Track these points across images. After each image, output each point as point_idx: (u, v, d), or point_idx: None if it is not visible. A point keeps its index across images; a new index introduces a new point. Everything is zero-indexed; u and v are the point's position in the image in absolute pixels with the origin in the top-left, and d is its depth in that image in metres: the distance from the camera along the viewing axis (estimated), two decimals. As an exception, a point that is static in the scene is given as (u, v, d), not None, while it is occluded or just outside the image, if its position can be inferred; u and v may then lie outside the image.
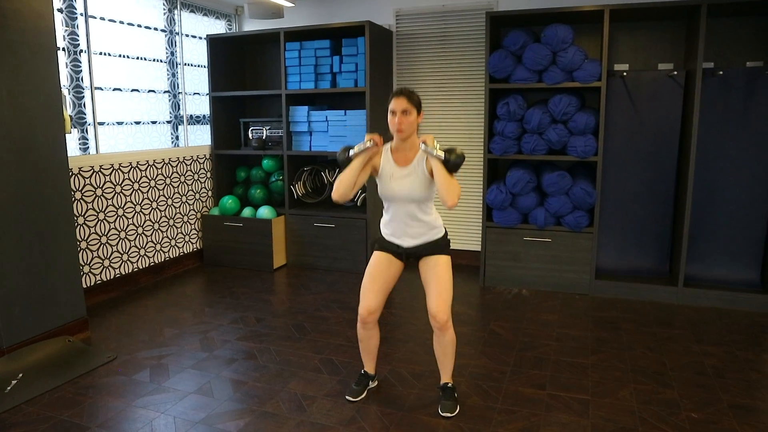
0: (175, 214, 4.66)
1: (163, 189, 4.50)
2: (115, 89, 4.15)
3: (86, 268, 3.84)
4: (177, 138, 4.82)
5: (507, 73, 4.01)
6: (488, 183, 4.18)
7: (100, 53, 4.00)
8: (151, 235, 4.41)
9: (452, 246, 2.59)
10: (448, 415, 2.41)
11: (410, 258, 2.50)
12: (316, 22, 5.02)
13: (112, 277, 4.07)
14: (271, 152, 4.84)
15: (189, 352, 3.11)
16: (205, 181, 4.99)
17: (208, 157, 5.00)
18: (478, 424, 2.36)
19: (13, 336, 2.91)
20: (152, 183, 4.38)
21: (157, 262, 4.49)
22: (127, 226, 4.17)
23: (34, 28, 2.92)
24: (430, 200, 2.45)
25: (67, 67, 3.73)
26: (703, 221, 3.89)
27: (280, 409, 2.49)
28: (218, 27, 5.32)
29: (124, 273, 4.17)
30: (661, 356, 3.02)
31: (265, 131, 4.89)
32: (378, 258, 2.51)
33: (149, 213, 4.37)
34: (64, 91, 3.64)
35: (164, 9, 4.61)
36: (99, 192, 3.91)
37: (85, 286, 3.77)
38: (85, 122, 3.90)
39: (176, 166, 4.62)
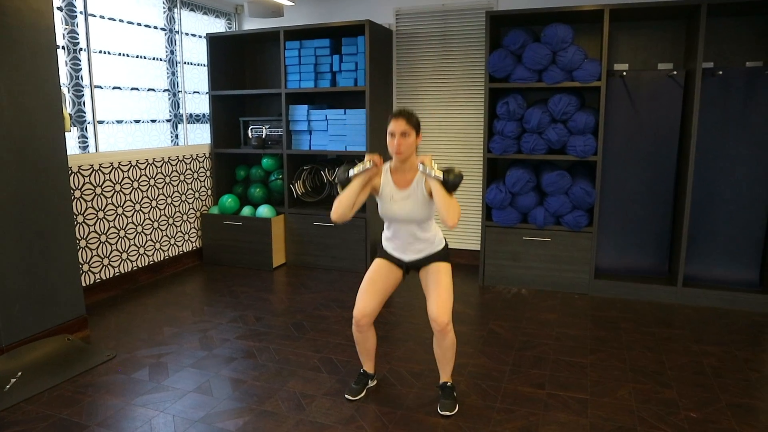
0: (175, 213, 4.66)
1: (163, 188, 4.50)
2: (114, 88, 4.15)
3: (86, 267, 3.84)
4: (176, 137, 4.82)
5: (507, 72, 4.01)
6: (488, 182, 4.18)
7: (100, 51, 3.99)
8: (151, 233, 4.41)
9: (451, 245, 2.60)
10: (447, 414, 2.41)
11: (411, 270, 2.56)
12: (316, 21, 5.02)
13: (111, 275, 4.07)
14: (270, 151, 4.84)
15: (188, 350, 3.11)
16: (204, 180, 4.99)
17: (207, 155, 5.00)
18: (477, 423, 2.36)
19: (13, 334, 2.91)
20: (152, 182, 4.38)
21: (156, 260, 4.49)
22: (127, 224, 4.17)
23: (34, 26, 2.92)
24: (431, 219, 2.48)
25: (66, 65, 3.73)
26: (703, 221, 3.89)
27: (279, 408, 2.50)
28: (218, 26, 5.31)
29: (123, 271, 4.17)
30: (660, 356, 3.02)
31: (264, 130, 4.88)
32: (379, 264, 2.54)
33: (149, 212, 4.37)
34: (64, 90, 3.64)
35: (164, 7, 4.61)
36: (98, 190, 3.91)
37: (84, 284, 3.77)
38: (85, 121, 3.90)
39: (176, 164, 4.62)
